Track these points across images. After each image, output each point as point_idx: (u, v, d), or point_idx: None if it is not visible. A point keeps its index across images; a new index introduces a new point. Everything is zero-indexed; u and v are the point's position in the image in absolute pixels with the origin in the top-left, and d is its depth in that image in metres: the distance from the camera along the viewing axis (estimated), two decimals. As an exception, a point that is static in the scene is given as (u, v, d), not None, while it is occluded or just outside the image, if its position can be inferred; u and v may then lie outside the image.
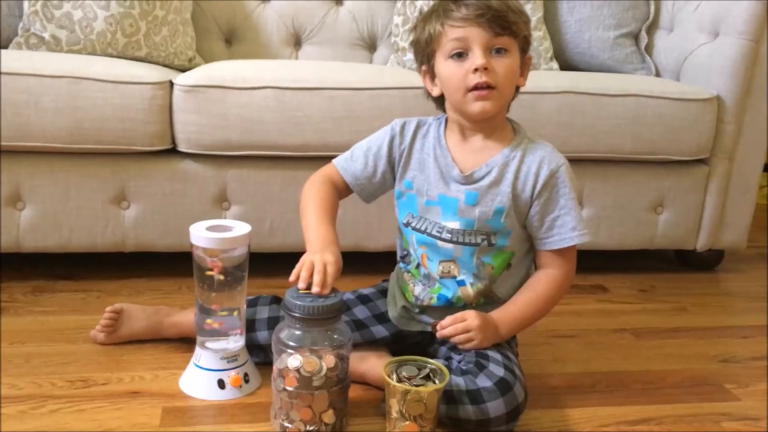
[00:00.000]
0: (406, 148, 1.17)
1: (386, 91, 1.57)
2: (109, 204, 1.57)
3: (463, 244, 1.13)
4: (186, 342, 1.29)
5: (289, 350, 1.02)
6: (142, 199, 1.58)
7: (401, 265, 1.24)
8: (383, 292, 1.27)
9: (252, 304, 1.23)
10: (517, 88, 1.13)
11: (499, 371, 1.05)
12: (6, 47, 1.70)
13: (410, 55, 1.90)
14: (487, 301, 1.16)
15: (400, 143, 1.18)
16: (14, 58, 1.49)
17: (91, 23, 1.67)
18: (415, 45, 1.14)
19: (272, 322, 1.19)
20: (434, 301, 1.17)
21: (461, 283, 1.15)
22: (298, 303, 1.00)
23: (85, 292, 1.56)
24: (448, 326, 1.10)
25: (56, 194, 1.54)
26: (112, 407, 1.11)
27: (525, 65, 1.12)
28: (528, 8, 1.94)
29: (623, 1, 1.99)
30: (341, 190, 1.21)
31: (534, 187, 1.10)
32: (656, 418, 1.16)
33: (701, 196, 1.81)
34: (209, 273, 1.12)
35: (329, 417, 1.03)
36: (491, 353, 1.10)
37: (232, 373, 1.16)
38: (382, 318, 1.23)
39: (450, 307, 1.16)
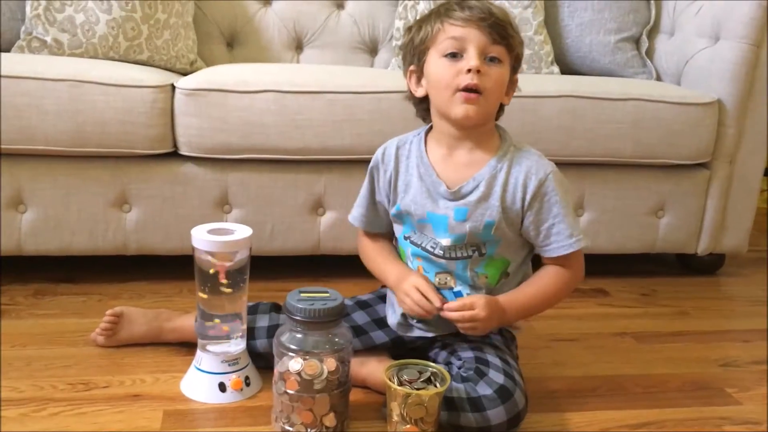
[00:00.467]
0: (392, 174, 1.16)
1: (387, 95, 1.57)
2: (111, 207, 1.57)
3: (456, 258, 1.13)
4: (187, 345, 1.29)
5: (291, 353, 1.02)
6: (143, 202, 1.58)
7: None
8: (382, 298, 1.27)
9: (252, 311, 1.23)
10: (502, 106, 1.13)
11: (499, 378, 1.05)
12: (8, 51, 1.70)
13: (411, 59, 1.90)
14: None
15: (385, 171, 1.17)
16: (16, 62, 1.49)
17: (93, 27, 1.67)
18: (408, 44, 1.13)
19: (272, 331, 1.18)
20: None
21: (458, 294, 1.14)
22: (300, 306, 1.01)
23: (86, 295, 1.56)
24: (455, 310, 1.08)
25: (57, 197, 1.54)
26: (113, 410, 1.11)
27: (512, 84, 1.12)
28: (529, 12, 1.94)
29: (624, 6, 2.00)
30: (376, 236, 1.25)
31: (523, 199, 1.09)
32: (657, 422, 1.16)
33: (702, 200, 1.81)
34: (212, 271, 1.12)
35: (330, 420, 1.03)
36: (491, 359, 1.10)
37: (233, 376, 1.16)
38: (381, 323, 1.23)
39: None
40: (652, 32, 2.05)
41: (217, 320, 1.16)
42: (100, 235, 1.58)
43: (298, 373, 1.01)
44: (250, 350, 1.21)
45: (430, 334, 1.18)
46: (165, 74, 1.62)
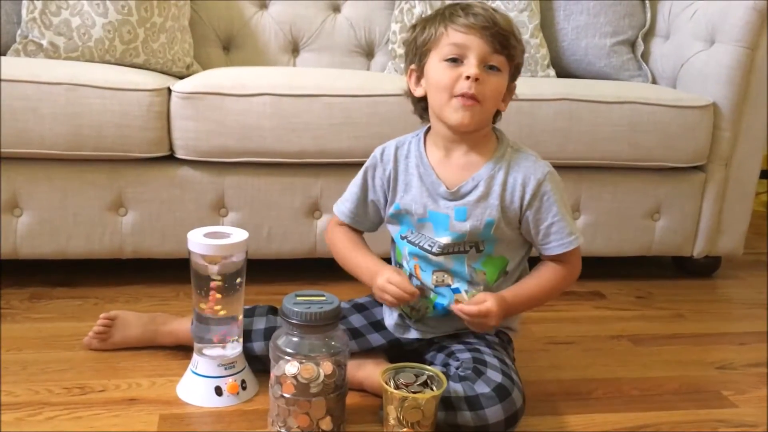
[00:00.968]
0: (391, 172, 1.17)
1: (384, 98, 1.58)
2: (107, 211, 1.57)
3: (453, 254, 1.13)
4: (183, 349, 1.29)
5: (287, 357, 1.02)
6: (139, 205, 1.58)
7: None
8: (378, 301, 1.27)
9: (248, 314, 1.23)
10: (498, 112, 1.14)
11: (497, 377, 1.06)
12: (4, 54, 1.70)
13: (408, 62, 1.90)
14: None
15: (383, 171, 1.18)
16: (12, 65, 1.49)
17: (89, 30, 1.67)
18: (411, 43, 1.13)
19: (268, 333, 1.18)
20: (431, 312, 1.17)
21: (456, 291, 1.15)
22: (296, 310, 1.01)
23: (83, 298, 1.56)
24: (472, 314, 1.08)
25: (54, 201, 1.54)
26: (109, 414, 1.11)
27: (509, 92, 1.13)
28: (525, 16, 1.95)
29: (619, 9, 2.00)
30: (351, 229, 1.24)
31: (522, 199, 1.11)
32: (653, 424, 1.17)
33: (698, 203, 1.81)
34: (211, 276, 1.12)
35: (327, 424, 1.03)
36: (488, 359, 1.10)
37: (230, 379, 1.16)
38: (378, 326, 1.23)
39: (446, 315, 1.16)
40: (648, 35, 2.06)
41: (213, 324, 1.16)
42: (97, 239, 1.58)
43: (295, 377, 1.01)
44: (247, 353, 1.21)
45: (427, 336, 1.18)
46: (161, 77, 1.61)
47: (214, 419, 1.12)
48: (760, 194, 2.72)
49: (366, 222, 1.24)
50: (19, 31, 1.70)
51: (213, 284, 1.13)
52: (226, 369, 1.16)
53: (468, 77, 1.04)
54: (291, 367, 1.01)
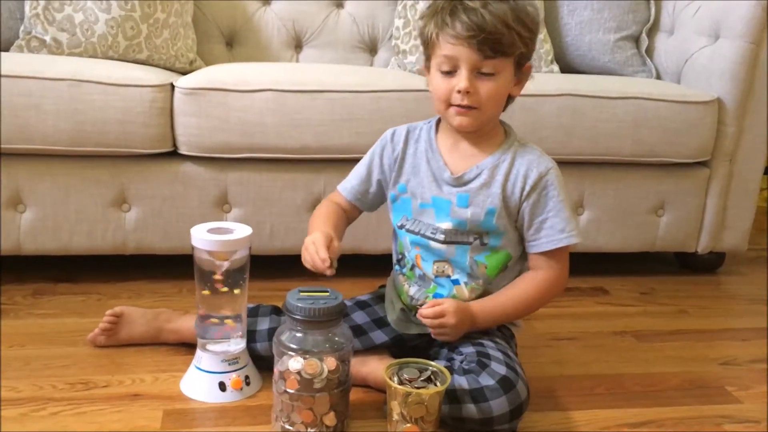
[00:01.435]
0: (399, 153, 1.19)
1: (387, 94, 1.57)
2: (110, 207, 1.57)
3: (456, 243, 1.14)
4: (186, 345, 1.29)
5: (291, 352, 1.02)
6: (142, 201, 1.58)
7: (396, 267, 1.25)
8: (381, 297, 1.27)
9: (252, 314, 1.23)
10: (512, 97, 1.13)
11: (501, 369, 1.06)
12: (7, 50, 1.70)
13: (411, 58, 1.90)
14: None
15: (393, 150, 1.19)
16: (15, 61, 1.49)
17: (92, 26, 1.67)
18: (419, 37, 1.14)
19: (272, 333, 1.18)
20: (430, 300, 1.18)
21: (456, 282, 1.16)
22: (300, 305, 1.01)
23: (86, 294, 1.56)
24: (427, 317, 1.11)
25: (57, 197, 1.54)
26: (113, 410, 1.11)
27: (523, 75, 1.11)
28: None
29: (624, 4, 2.00)
30: (346, 211, 1.25)
31: (522, 190, 1.11)
32: (657, 420, 1.17)
33: (702, 199, 1.81)
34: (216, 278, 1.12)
35: (330, 419, 1.03)
36: (492, 352, 1.10)
37: (233, 375, 1.16)
38: (381, 323, 1.23)
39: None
40: (652, 31, 2.05)
41: (216, 319, 1.16)
42: (100, 235, 1.58)
43: (298, 372, 1.01)
44: (251, 353, 1.21)
45: (429, 331, 1.18)
46: (164, 73, 1.61)
47: (218, 415, 1.12)
48: (764, 190, 2.71)
49: (366, 201, 1.24)
50: (22, 27, 1.70)
51: (217, 281, 1.13)
52: (229, 365, 1.16)
53: (459, 91, 1.05)
54: (295, 363, 1.01)
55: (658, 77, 2.00)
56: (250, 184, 1.61)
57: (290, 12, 2.03)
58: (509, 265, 1.17)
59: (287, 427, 1.04)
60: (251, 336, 1.21)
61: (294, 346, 1.02)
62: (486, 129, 1.13)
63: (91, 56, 1.68)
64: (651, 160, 1.73)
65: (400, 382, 1.02)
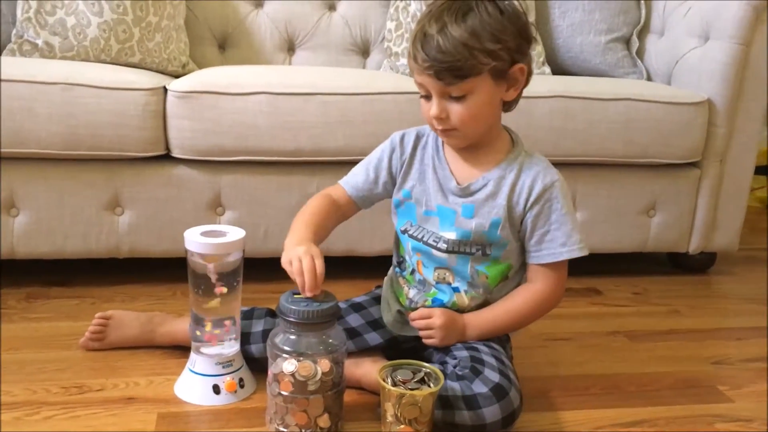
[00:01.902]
0: (407, 158, 1.18)
1: (379, 96, 1.58)
2: (104, 210, 1.57)
3: (458, 253, 1.14)
4: (181, 348, 1.28)
5: (284, 355, 1.02)
6: (136, 205, 1.58)
7: (397, 270, 1.25)
8: (376, 299, 1.27)
9: (247, 316, 1.23)
10: (508, 102, 1.12)
11: (495, 377, 1.06)
12: (-1, 54, 1.70)
13: (403, 60, 1.91)
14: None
15: (401, 154, 1.19)
16: (7, 65, 1.49)
17: (84, 29, 1.67)
18: None
19: (266, 336, 1.17)
20: (429, 304, 1.18)
21: (456, 290, 1.16)
22: (293, 308, 1.01)
23: (79, 298, 1.56)
24: (416, 318, 1.15)
25: (50, 201, 1.54)
26: (107, 413, 1.11)
27: (512, 79, 1.07)
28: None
29: (614, 6, 2.01)
30: (343, 207, 1.22)
31: (527, 201, 1.11)
32: (650, 419, 1.17)
33: (693, 199, 1.82)
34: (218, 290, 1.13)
35: (325, 421, 1.03)
36: (486, 358, 1.10)
37: (228, 378, 1.16)
38: (375, 325, 1.23)
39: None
40: (643, 32, 2.06)
41: (210, 322, 1.16)
42: (93, 238, 1.58)
43: (292, 375, 1.01)
44: (245, 355, 1.21)
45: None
46: (157, 77, 1.62)
47: (212, 417, 1.12)
48: (755, 190, 2.73)
49: (368, 200, 1.23)
50: (14, 31, 1.70)
51: (215, 285, 1.13)
52: (223, 367, 1.16)
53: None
54: (289, 365, 1.01)
55: (649, 78, 2.01)
56: (244, 186, 1.61)
57: (283, 14, 2.04)
58: (510, 275, 1.17)
59: (281, 429, 1.04)
60: (246, 338, 1.21)
61: (288, 349, 1.02)
62: (487, 139, 1.13)
63: (83, 60, 1.68)
64: (642, 161, 1.74)
65: (394, 384, 1.03)
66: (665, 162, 1.75)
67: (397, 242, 1.24)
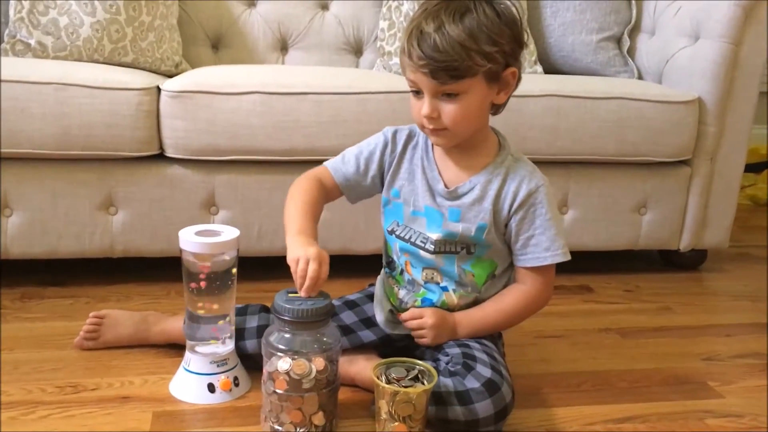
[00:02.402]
0: (397, 156, 1.18)
1: (373, 96, 1.59)
2: (97, 210, 1.57)
3: (444, 253, 1.14)
4: (175, 347, 1.29)
5: (279, 353, 1.02)
6: (130, 204, 1.58)
7: (386, 270, 1.26)
8: (370, 297, 1.27)
9: (241, 313, 1.24)
10: (497, 105, 1.11)
11: (487, 372, 1.07)
12: (-8, 54, 1.69)
13: (396, 60, 1.91)
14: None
15: (392, 150, 1.19)
16: (0, 65, 1.48)
17: (77, 29, 1.67)
18: None
19: (261, 331, 1.18)
20: (419, 304, 1.19)
21: (444, 289, 1.17)
22: (288, 306, 1.01)
23: (74, 298, 1.56)
24: (407, 319, 1.16)
25: (44, 200, 1.54)
26: (103, 412, 1.11)
27: (503, 83, 1.07)
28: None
29: (605, 6, 2.02)
30: (329, 191, 1.21)
31: (511, 206, 1.12)
32: (641, 416, 1.18)
33: (684, 197, 1.83)
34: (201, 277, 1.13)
35: (319, 419, 1.04)
36: (478, 354, 1.11)
37: (222, 376, 1.17)
38: (369, 322, 1.23)
39: (435, 310, 1.17)
40: (634, 32, 2.07)
41: (204, 321, 1.17)
42: (87, 238, 1.58)
43: (287, 373, 1.01)
44: (240, 351, 1.21)
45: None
46: (150, 76, 1.62)
47: (207, 416, 1.12)
48: (745, 188, 2.75)
49: (354, 192, 1.22)
50: (6, 31, 1.70)
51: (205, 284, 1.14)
52: (218, 366, 1.17)
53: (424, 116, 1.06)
54: (283, 364, 1.02)
55: (640, 77, 2.02)
56: (238, 186, 1.61)
57: (276, 14, 2.04)
58: (497, 273, 1.18)
59: (276, 427, 1.05)
60: (240, 334, 1.22)
61: (282, 347, 1.02)
62: (475, 142, 1.13)
63: (76, 60, 1.68)
64: (634, 160, 1.75)
65: (388, 381, 1.03)
66: (656, 160, 1.77)
67: (386, 243, 1.24)
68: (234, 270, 1.16)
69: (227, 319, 1.18)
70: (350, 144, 1.20)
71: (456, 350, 1.13)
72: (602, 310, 1.66)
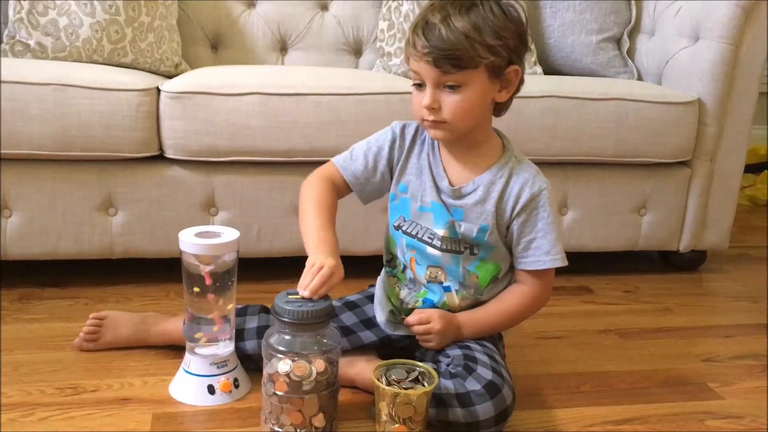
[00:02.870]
0: (405, 151, 1.18)
1: (372, 96, 1.58)
2: (96, 211, 1.57)
3: (450, 251, 1.15)
4: (175, 348, 1.29)
5: (279, 355, 1.02)
6: (129, 205, 1.58)
7: (387, 269, 1.26)
8: (370, 298, 1.28)
9: (240, 313, 1.24)
10: (501, 103, 1.12)
11: (488, 374, 1.07)
12: (-9, 54, 1.69)
13: (395, 60, 1.91)
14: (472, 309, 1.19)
15: (400, 145, 1.19)
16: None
17: (76, 30, 1.67)
18: None
19: (261, 332, 1.19)
20: (419, 305, 1.19)
21: (447, 289, 1.17)
22: (288, 308, 1.01)
23: (73, 299, 1.56)
24: (413, 323, 1.15)
25: (43, 201, 1.54)
26: (102, 414, 1.11)
27: (505, 80, 1.08)
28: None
29: (605, 6, 2.02)
30: (340, 189, 1.21)
31: (513, 208, 1.12)
32: (641, 417, 1.18)
33: (683, 198, 1.84)
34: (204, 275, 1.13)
35: (319, 421, 1.04)
36: (479, 356, 1.11)
37: (222, 378, 1.16)
38: (369, 323, 1.24)
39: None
40: (633, 32, 2.07)
41: (204, 323, 1.16)
42: (86, 239, 1.58)
43: (287, 375, 1.01)
44: (240, 352, 1.21)
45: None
46: (150, 77, 1.61)
47: (207, 418, 1.12)
48: (745, 188, 2.75)
49: (365, 190, 1.21)
50: (6, 32, 1.69)
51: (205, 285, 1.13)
52: (218, 367, 1.17)
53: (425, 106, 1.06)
54: (283, 365, 1.02)
55: (640, 78, 2.02)
56: (237, 186, 1.61)
57: (275, 14, 2.04)
58: (499, 276, 1.18)
59: (276, 429, 1.04)
60: (240, 335, 1.22)
61: (282, 349, 1.02)
62: (476, 140, 1.13)
63: (75, 60, 1.68)
64: (633, 160, 1.76)
65: (388, 383, 1.03)
66: (656, 161, 1.77)
67: (388, 240, 1.24)
68: (234, 271, 1.16)
69: (227, 320, 1.18)
70: (349, 144, 1.20)
71: (457, 352, 1.13)
72: (602, 311, 1.66)
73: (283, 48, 2.07)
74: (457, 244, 1.14)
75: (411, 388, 1.02)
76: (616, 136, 1.71)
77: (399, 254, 1.21)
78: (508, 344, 1.26)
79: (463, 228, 1.13)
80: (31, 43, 1.67)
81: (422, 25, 1.03)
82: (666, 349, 1.46)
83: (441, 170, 1.15)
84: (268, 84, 1.55)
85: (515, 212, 1.12)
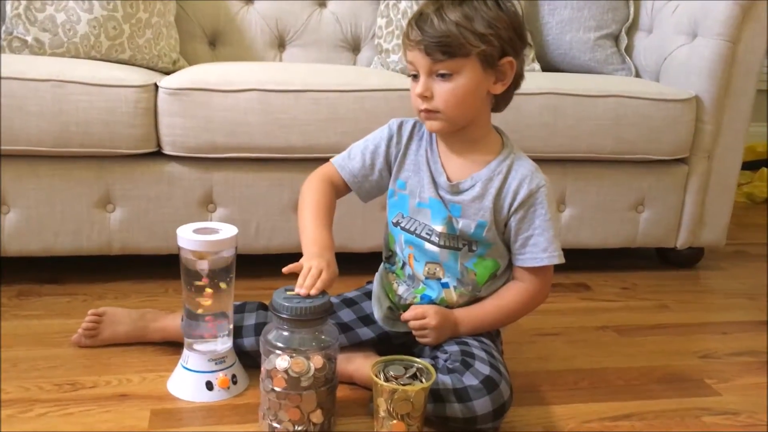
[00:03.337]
0: (402, 147, 1.19)
1: (370, 93, 1.59)
2: (95, 207, 1.57)
3: (448, 248, 1.15)
4: (173, 344, 1.29)
5: (277, 351, 1.02)
6: (127, 202, 1.58)
7: (386, 265, 1.26)
8: (368, 294, 1.28)
9: (239, 310, 1.24)
10: (499, 96, 1.12)
11: (485, 369, 1.07)
12: (-12, 51, 1.69)
13: (394, 57, 1.91)
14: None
15: (397, 142, 1.19)
16: (-3, 62, 1.48)
17: (74, 26, 1.66)
18: None
19: (259, 329, 1.19)
20: (417, 301, 1.19)
21: (445, 286, 1.17)
22: (286, 304, 1.01)
23: (71, 295, 1.56)
24: (410, 319, 1.15)
25: (41, 198, 1.54)
26: (101, 410, 1.11)
27: (500, 72, 1.08)
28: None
29: (603, 3, 2.02)
30: (339, 189, 1.22)
31: (511, 205, 1.12)
32: (638, 413, 1.19)
33: (681, 195, 1.84)
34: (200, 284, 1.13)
35: (317, 417, 1.04)
36: (476, 351, 1.11)
37: (220, 374, 1.17)
38: (367, 320, 1.24)
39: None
40: (631, 29, 2.08)
41: (203, 319, 1.17)
42: (84, 236, 1.58)
43: (285, 371, 1.01)
44: (238, 349, 1.21)
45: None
46: (147, 73, 1.61)
47: (205, 414, 1.12)
48: (742, 185, 2.75)
49: (363, 188, 1.22)
50: (3, 28, 1.69)
51: (204, 281, 1.13)
52: (216, 364, 1.17)
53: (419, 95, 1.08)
54: (282, 361, 1.02)
55: (638, 75, 2.03)
56: (235, 183, 1.61)
57: (273, 11, 2.03)
58: (498, 273, 1.18)
59: (275, 425, 1.05)
60: (238, 331, 1.22)
61: (281, 345, 1.03)
62: (474, 135, 1.13)
63: (73, 56, 1.68)
64: (631, 158, 1.76)
65: (386, 379, 1.04)
66: (654, 158, 1.77)
67: (388, 236, 1.24)
68: (232, 268, 1.16)
69: (225, 316, 1.18)
70: (348, 141, 1.21)
71: (454, 348, 1.14)
72: (599, 307, 1.66)
73: (281, 45, 2.07)
74: (456, 241, 1.14)
75: (409, 384, 1.03)
76: (614, 134, 1.71)
77: (398, 251, 1.21)
78: (505, 341, 1.26)
79: (461, 224, 1.13)
80: (29, 39, 1.66)
81: (416, 16, 1.07)
82: (663, 346, 1.46)
83: (439, 166, 1.15)
84: (266, 81, 1.55)
85: (513, 209, 1.12)
